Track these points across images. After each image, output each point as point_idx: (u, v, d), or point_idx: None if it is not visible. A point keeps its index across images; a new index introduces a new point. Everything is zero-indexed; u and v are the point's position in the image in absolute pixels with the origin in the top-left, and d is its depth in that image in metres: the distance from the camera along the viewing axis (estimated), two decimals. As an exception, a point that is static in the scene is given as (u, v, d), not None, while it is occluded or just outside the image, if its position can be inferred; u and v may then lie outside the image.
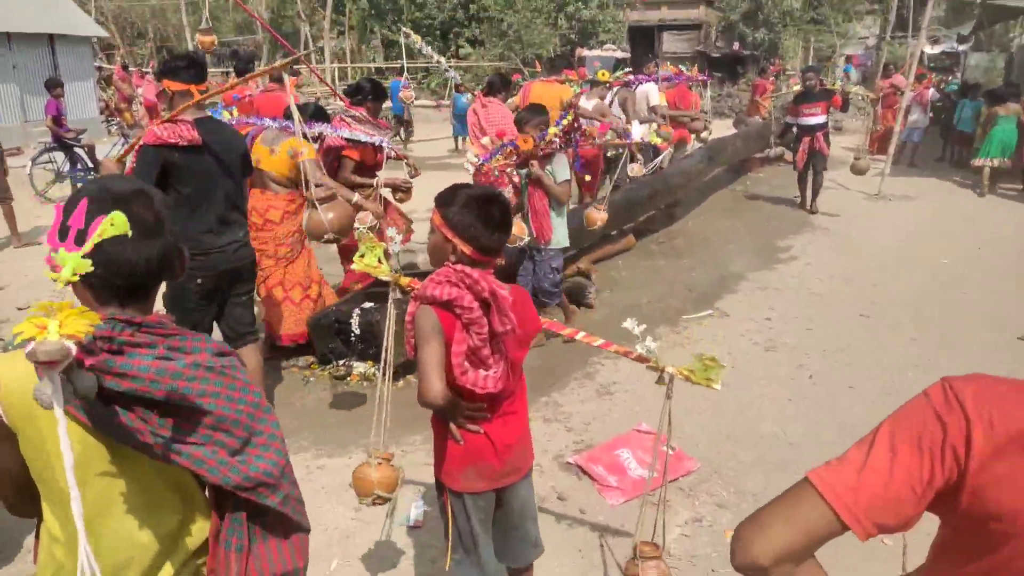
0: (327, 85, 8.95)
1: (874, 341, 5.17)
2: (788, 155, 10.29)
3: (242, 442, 1.31)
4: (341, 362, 4.75)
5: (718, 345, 5.16)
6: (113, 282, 1.25)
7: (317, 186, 3.95)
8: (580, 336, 2.72)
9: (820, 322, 5.54)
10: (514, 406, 2.18)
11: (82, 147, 9.89)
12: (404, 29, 10.32)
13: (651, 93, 8.53)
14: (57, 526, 1.30)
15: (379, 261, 2.61)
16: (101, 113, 16.76)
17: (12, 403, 1.22)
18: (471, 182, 5.24)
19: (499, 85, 6.95)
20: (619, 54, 24.07)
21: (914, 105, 12.44)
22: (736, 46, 24.93)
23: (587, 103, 7.60)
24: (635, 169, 5.84)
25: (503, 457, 2.14)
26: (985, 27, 16.73)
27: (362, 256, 2.61)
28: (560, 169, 4.89)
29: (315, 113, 4.86)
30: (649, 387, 4.45)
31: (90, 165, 9.90)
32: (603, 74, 8.28)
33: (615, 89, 8.62)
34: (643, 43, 27.79)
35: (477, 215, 2.00)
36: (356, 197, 4.73)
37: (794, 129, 9.26)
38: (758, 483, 3.49)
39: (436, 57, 8.73)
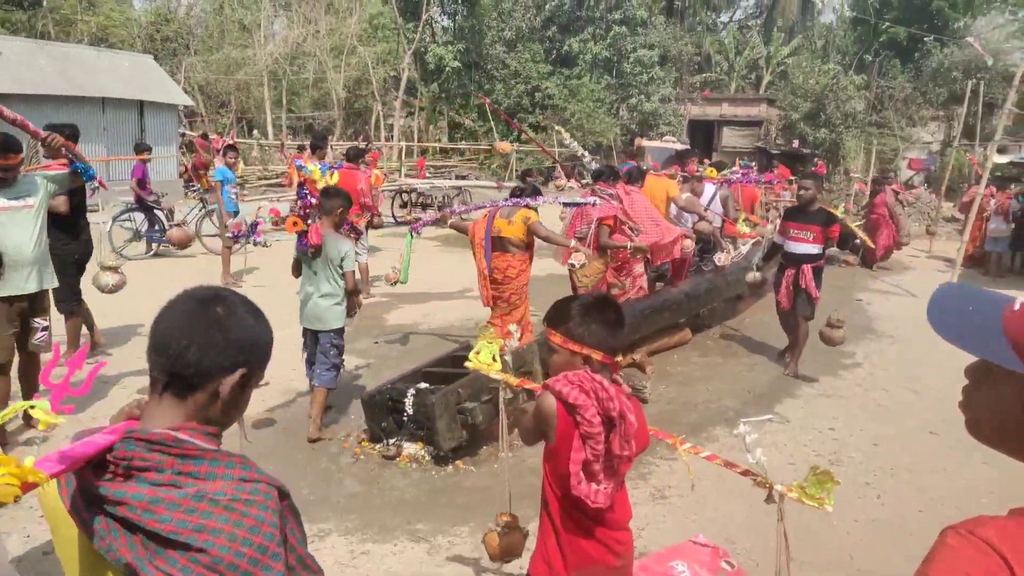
0: (552, 157, 10.34)
1: (945, 461, 4.91)
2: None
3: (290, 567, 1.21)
4: (392, 441, 4.72)
5: (779, 452, 4.97)
6: (164, 386, 1.24)
7: (547, 239, 5.77)
8: (686, 447, 2.70)
9: (887, 437, 5.30)
10: (623, 515, 2.19)
11: (161, 209, 10.36)
12: (556, 127, 11.39)
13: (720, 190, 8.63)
14: None
15: (493, 358, 2.65)
16: (180, 177, 17.66)
17: (46, 503, 1.24)
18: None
19: (637, 175, 7.12)
20: (679, 146, 24.45)
21: (994, 214, 12.24)
22: (796, 143, 25.08)
23: (679, 197, 7.71)
24: (722, 258, 6.13)
25: (614, 561, 2.13)
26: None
27: (478, 352, 2.66)
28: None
29: (534, 191, 6.11)
30: (707, 494, 4.31)
31: (166, 227, 10.34)
32: (711, 171, 8.56)
33: (717, 185, 8.55)
34: (702, 136, 28.25)
35: (600, 322, 2.07)
36: (573, 242, 5.90)
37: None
38: (824, 611, 3.27)
39: (580, 151, 9.31)
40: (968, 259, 11.93)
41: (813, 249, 6.32)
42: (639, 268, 6.78)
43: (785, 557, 2.28)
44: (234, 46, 27.41)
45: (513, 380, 2.66)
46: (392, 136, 26.15)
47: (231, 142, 11.13)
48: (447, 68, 26.31)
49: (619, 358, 2.23)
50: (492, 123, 22.07)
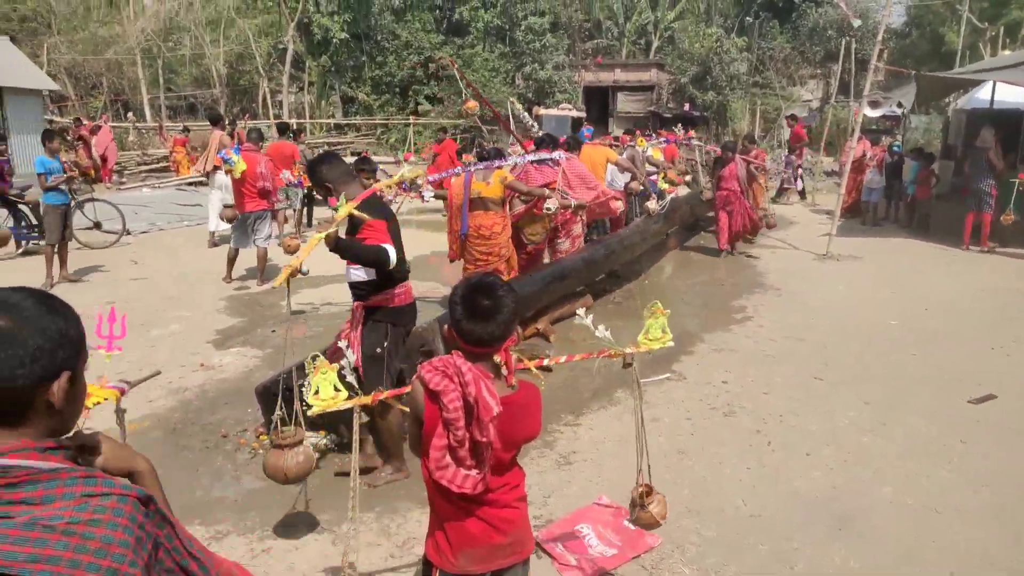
0: (517, 138, 10.71)
1: (828, 404, 5.21)
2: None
3: None
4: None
5: (676, 409, 5.14)
6: None
7: (525, 194, 6.53)
8: (546, 363, 2.96)
9: (776, 385, 5.58)
10: (507, 496, 2.14)
11: (26, 203, 9.60)
12: (511, 99, 12.51)
13: (650, 150, 10.56)
14: None
15: (335, 388, 2.54)
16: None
17: None
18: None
19: (574, 144, 8.00)
20: (575, 113, 24.71)
21: (870, 168, 13.03)
22: (687, 107, 25.79)
23: (621, 158, 9.04)
24: (652, 205, 8.10)
25: (499, 539, 2.12)
26: (929, 100, 17.62)
27: (316, 392, 2.54)
28: None
29: (499, 154, 6.97)
30: (609, 455, 4.41)
31: (34, 222, 9.60)
32: (641, 141, 10.65)
33: (625, 147, 10.59)
34: (598, 102, 28.57)
35: (464, 305, 2.02)
36: (546, 191, 6.55)
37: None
38: (720, 558, 3.42)
39: (530, 120, 9.91)
40: (846, 210, 12.67)
41: None
42: (577, 228, 7.41)
43: (642, 427, 2.72)
44: (101, 23, 25.53)
45: (366, 399, 2.59)
46: (282, 113, 25.12)
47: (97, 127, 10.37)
48: (335, 40, 25.44)
49: (497, 357, 2.15)
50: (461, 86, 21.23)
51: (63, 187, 8.27)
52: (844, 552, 3.48)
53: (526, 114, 9.86)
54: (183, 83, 27.37)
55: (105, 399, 1.87)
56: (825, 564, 3.39)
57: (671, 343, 2.68)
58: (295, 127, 15.09)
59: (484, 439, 1.96)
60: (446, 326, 2.12)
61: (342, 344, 3.96)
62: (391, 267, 3.76)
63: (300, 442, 3.50)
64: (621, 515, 3.72)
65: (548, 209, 6.44)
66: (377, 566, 3.40)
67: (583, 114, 25.30)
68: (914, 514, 3.82)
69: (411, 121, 24.69)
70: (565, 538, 3.55)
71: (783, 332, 6.87)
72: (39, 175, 8.09)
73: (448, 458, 1.98)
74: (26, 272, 8.79)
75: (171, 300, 7.80)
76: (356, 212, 3.62)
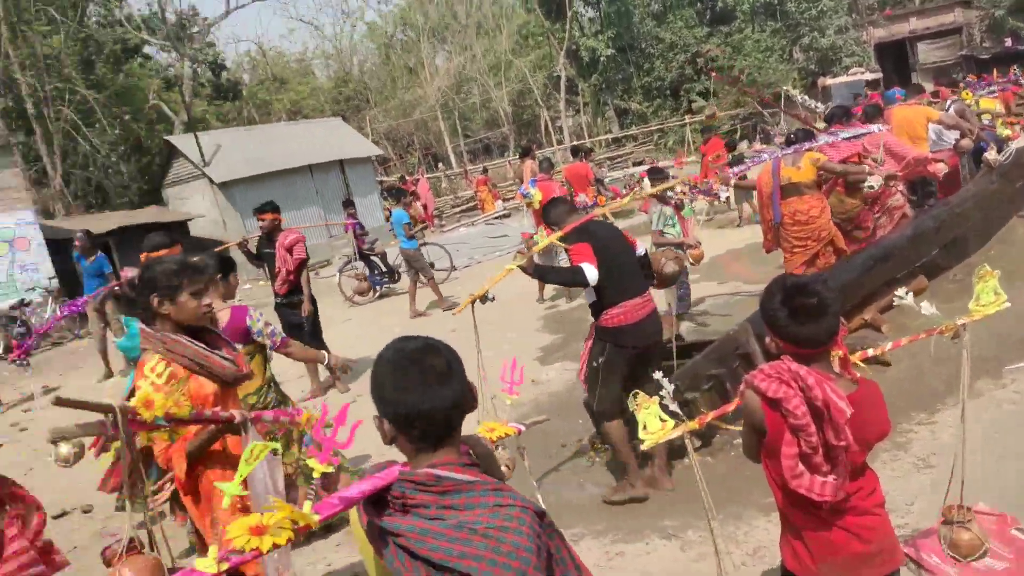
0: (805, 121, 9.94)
1: None
2: None
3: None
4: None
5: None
6: (429, 432, 1.39)
7: (841, 174, 6.17)
8: (871, 352, 2.76)
9: None
10: (865, 502, 2.07)
11: (375, 255, 11.37)
12: (785, 88, 11.89)
13: (980, 102, 9.16)
14: None
15: (661, 419, 2.56)
16: (386, 221, 19.25)
17: (360, 538, 1.46)
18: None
19: (873, 112, 7.53)
20: (868, 76, 22.34)
21: None
22: (1008, 42, 21.80)
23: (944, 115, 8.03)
24: (991, 156, 6.58)
25: (864, 548, 2.04)
26: None
27: (644, 427, 2.54)
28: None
29: (807, 135, 6.39)
30: (978, 456, 3.90)
31: (383, 269, 11.33)
32: (967, 94, 9.00)
33: (948, 101, 8.87)
34: (894, 59, 25.50)
35: (784, 306, 1.98)
36: (867, 168, 6.28)
37: None
38: None
39: (812, 103, 9.50)
40: None
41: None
42: (894, 200, 6.91)
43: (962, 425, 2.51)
44: (405, 89, 29.34)
45: (693, 424, 2.61)
46: (563, 138, 26.49)
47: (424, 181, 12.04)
48: (602, 58, 26.17)
49: (835, 351, 2.08)
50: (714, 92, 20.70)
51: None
52: None
53: (804, 96, 9.09)
54: (476, 127, 30.30)
55: (507, 434, 2.23)
56: None
57: (1007, 304, 2.42)
58: (587, 147, 16.10)
59: (841, 442, 1.90)
60: (767, 339, 2.09)
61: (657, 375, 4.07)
62: (592, 284, 3.92)
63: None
64: (1007, 523, 3.29)
65: (871, 187, 6.20)
66: (731, 574, 3.42)
67: (878, 75, 22.78)
68: None
69: (686, 121, 24.39)
70: (939, 550, 3.23)
71: None
72: (404, 225, 9.67)
73: (802, 466, 1.94)
74: (383, 311, 10.41)
75: (495, 323, 8.65)
76: (557, 243, 4.07)
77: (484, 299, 4.19)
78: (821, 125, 8.00)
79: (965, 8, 24.20)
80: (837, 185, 6.51)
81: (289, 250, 6.66)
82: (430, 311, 9.94)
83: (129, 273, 4.96)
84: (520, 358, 6.18)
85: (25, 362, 5.43)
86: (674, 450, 4.65)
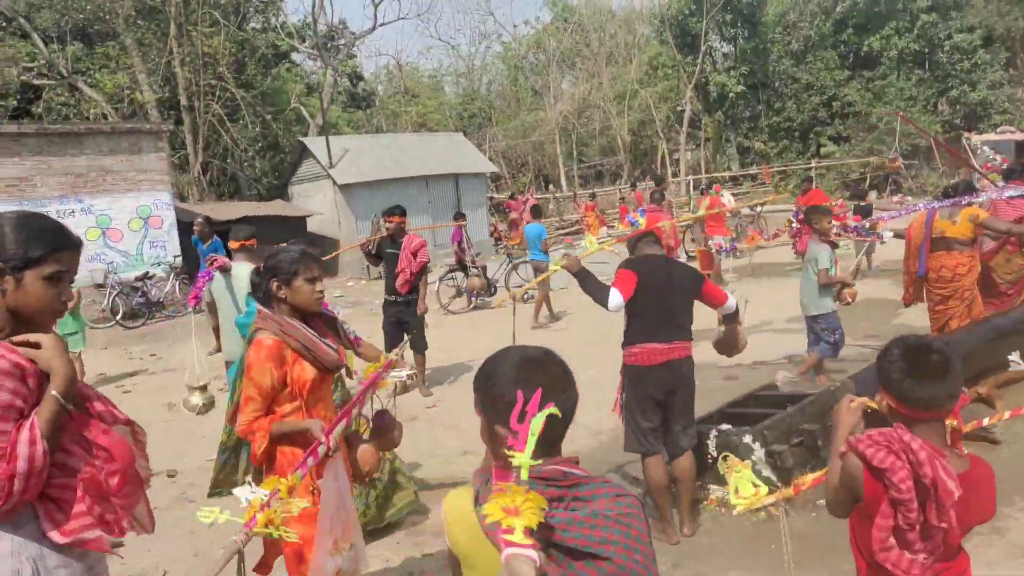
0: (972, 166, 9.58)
1: None
2: None
3: None
4: (696, 484, 4.67)
5: None
6: (549, 437, 1.43)
7: (1004, 232, 5.91)
8: (985, 422, 2.50)
9: None
10: None
11: (477, 268, 11.62)
12: (966, 135, 10.99)
13: None
14: None
15: (754, 484, 2.49)
16: (490, 236, 19.61)
17: (457, 538, 1.50)
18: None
19: (1020, 172, 7.04)
20: (1018, 136, 20.78)
21: None
22: None
23: None
24: None
25: None
26: None
27: (736, 491, 2.52)
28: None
29: (968, 188, 6.17)
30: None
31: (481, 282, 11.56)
32: None
33: None
34: (1052, 120, 23.62)
35: (904, 364, 1.88)
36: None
37: None
38: None
39: (991, 154, 8.84)
40: None
41: None
42: None
43: None
44: (528, 111, 29.88)
45: (788, 491, 2.51)
46: (678, 171, 26.14)
47: (534, 201, 12.34)
48: (731, 94, 25.70)
49: (950, 419, 1.96)
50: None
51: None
52: None
53: (985, 147, 8.45)
54: (592, 153, 30.42)
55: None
56: None
57: None
58: (660, 176, 15.95)
59: (944, 524, 1.79)
60: (878, 398, 1.99)
61: (747, 439, 3.97)
62: (610, 310, 3.93)
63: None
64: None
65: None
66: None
67: (1028, 136, 21.15)
68: None
69: (812, 165, 23.52)
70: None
71: None
72: (543, 240, 10.72)
73: (893, 540, 1.85)
74: (474, 322, 10.61)
75: (589, 346, 8.62)
76: (605, 247, 4.41)
77: (524, 299, 4.38)
78: (996, 180, 7.45)
79: None
80: (1008, 243, 6.22)
81: (414, 253, 6.99)
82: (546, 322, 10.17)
83: (221, 261, 5.39)
84: (603, 385, 6.14)
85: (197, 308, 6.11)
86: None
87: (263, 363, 2.69)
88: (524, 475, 1.29)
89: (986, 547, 3.77)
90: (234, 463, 3.24)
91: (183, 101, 20.69)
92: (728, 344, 4.58)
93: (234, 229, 5.55)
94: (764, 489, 2.50)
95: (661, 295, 4.04)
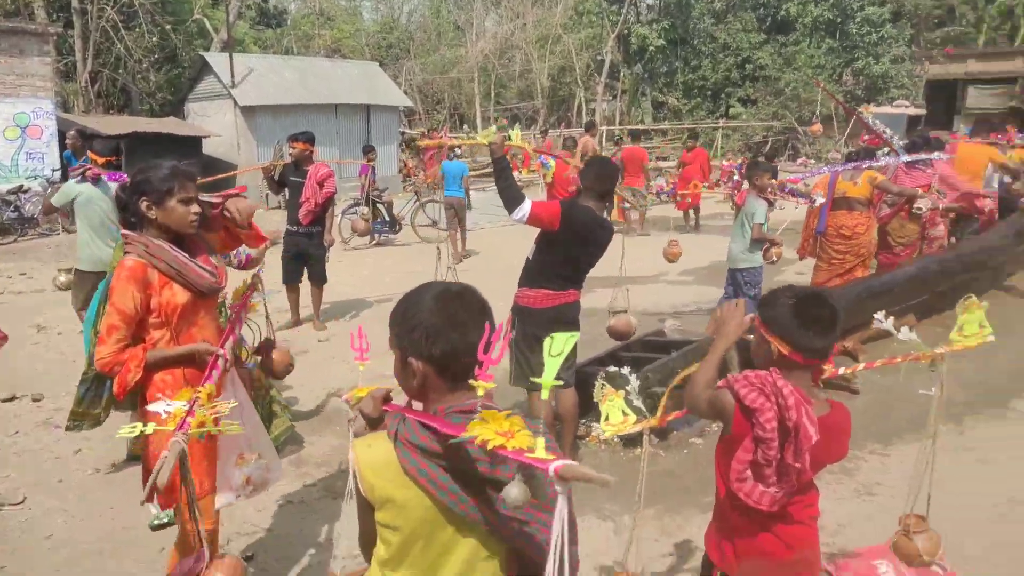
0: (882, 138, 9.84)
1: None
2: None
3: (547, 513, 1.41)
4: (582, 421, 4.83)
5: (1014, 450, 4.38)
6: (470, 365, 1.41)
7: (896, 194, 6.49)
8: (842, 371, 2.73)
9: None
10: (801, 513, 2.08)
11: (383, 203, 11.37)
12: (861, 108, 11.45)
13: None
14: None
15: (623, 412, 2.54)
16: (399, 172, 19.19)
17: (372, 483, 1.47)
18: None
19: (936, 145, 7.52)
20: (911, 111, 21.97)
21: None
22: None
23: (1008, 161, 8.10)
24: None
25: (787, 555, 2.07)
26: None
27: (607, 418, 2.58)
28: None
29: (868, 154, 6.79)
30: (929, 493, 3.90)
31: (387, 218, 11.34)
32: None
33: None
34: (943, 98, 25.07)
35: (797, 314, 1.97)
36: (919, 191, 6.55)
37: None
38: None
39: (888, 132, 9.27)
40: None
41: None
42: (936, 231, 7.16)
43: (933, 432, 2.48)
44: (449, 46, 29.10)
45: (655, 420, 2.63)
46: (594, 121, 26.27)
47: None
48: (651, 47, 25.84)
49: (825, 366, 2.09)
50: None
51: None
52: None
53: (878, 122, 8.90)
54: (510, 96, 30.05)
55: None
56: None
57: (991, 337, 2.43)
58: (595, 122, 16.60)
59: (798, 465, 1.92)
60: (757, 336, 2.07)
61: (625, 371, 4.08)
62: (514, 217, 3.86)
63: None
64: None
65: (919, 209, 6.47)
66: (652, 561, 3.46)
67: (921, 111, 22.43)
68: None
69: (720, 125, 24.13)
70: (860, 571, 3.26)
71: None
72: (465, 177, 10.66)
73: (749, 472, 1.97)
74: (377, 259, 10.44)
75: (495, 291, 8.67)
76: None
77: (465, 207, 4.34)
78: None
79: (1025, 58, 23.74)
80: (902, 210, 6.71)
81: (320, 183, 6.74)
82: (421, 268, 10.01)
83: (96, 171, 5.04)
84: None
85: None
86: (630, 439, 4.69)
87: (125, 285, 2.49)
88: (544, 395, 1.30)
89: (836, 484, 4.09)
90: (96, 394, 3.00)
91: (74, 3, 18.90)
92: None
93: (96, 142, 5.11)
94: (632, 417, 2.60)
95: (575, 249, 4.03)
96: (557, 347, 1.35)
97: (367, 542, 1.58)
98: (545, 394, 1.31)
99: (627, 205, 11.83)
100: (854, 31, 24.84)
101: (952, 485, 4.06)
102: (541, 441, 1.23)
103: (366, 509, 1.52)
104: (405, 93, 23.32)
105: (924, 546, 2.64)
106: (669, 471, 4.40)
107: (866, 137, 12.10)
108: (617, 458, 4.56)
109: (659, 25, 25.91)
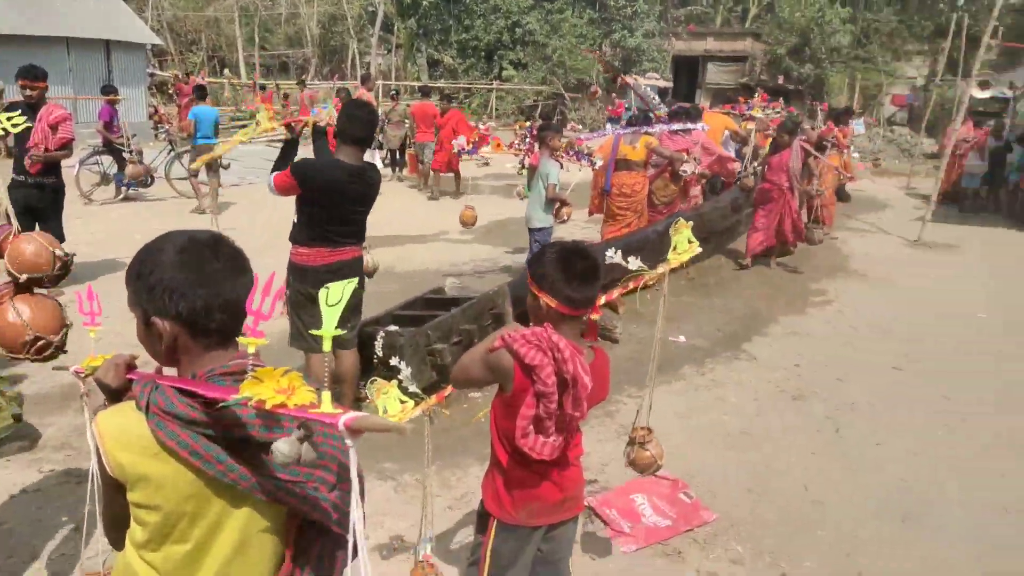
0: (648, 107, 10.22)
1: (905, 396, 5.03)
2: None
3: (336, 476, 1.33)
4: (361, 384, 4.75)
5: (743, 389, 5.07)
6: (227, 323, 1.31)
7: (667, 157, 7.27)
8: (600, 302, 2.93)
9: (851, 373, 5.41)
10: (571, 454, 2.21)
11: (130, 151, 10.13)
12: (634, 76, 12.37)
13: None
14: (158, 559, 1.35)
15: (400, 400, 2.56)
16: (150, 119, 17.21)
17: (121, 459, 1.28)
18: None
19: (695, 113, 8.50)
20: (662, 83, 24.09)
21: (973, 151, 12.26)
22: (780, 80, 24.77)
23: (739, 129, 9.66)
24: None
25: (561, 496, 2.19)
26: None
27: (385, 411, 2.58)
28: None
29: (646, 119, 7.79)
30: (670, 430, 4.39)
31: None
32: (757, 109, 10.55)
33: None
34: (686, 72, 27.77)
35: (561, 269, 2.04)
36: (683, 156, 7.33)
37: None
38: (776, 541, 3.39)
39: (656, 100, 10.07)
40: (944, 196, 11.97)
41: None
42: (694, 191, 8.30)
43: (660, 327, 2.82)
44: (203, -20, 26.41)
45: (433, 400, 2.67)
46: (370, 74, 25.51)
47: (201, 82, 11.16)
48: (424, 2, 25.53)
49: (592, 315, 2.21)
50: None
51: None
52: (906, 543, 3.39)
53: (649, 90, 9.93)
54: (277, 42, 28.13)
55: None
56: (885, 554, 3.32)
57: (699, 249, 2.77)
58: (370, 75, 16.14)
59: (578, 414, 2.03)
60: (529, 295, 2.13)
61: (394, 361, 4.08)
62: (271, 191, 3.99)
63: None
64: (678, 488, 3.73)
65: (684, 171, 7.27)
66: (437, 517, 3.52)
67: (670, 84, 24.68)
68: (984, 513, 3.68)
69: (494, 86, 24.66)
70: (620, 506, 3.59)
71: (864, 319, 6.64)
72: (216, 124, 9.83)
73: (532, 427, 2.04)
74: (124, 216, 9.34)
75: (263, 248, 8.14)
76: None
77: (219, 164, 4.07)
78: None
79: (754, 40, 26.94)
80: (666, 172, 7.55)
81: (53, 126, 5.87)
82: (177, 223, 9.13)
83: None
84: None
85: None
86: (409, 396, 4.70)
87: None
88: (327, 347, 1.19)
89: (600, 427, 4.44)
90: None
91: None
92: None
93: None
94: (410, 403, 2.61)
95: (329, 206, 3.90)
96: (334, 296, 1.27)
97: (116, 526, 1.41)
98: (327, 346, 1.23)
99: (423, 160, 11.83)
100: (612, 3, 26.49)
101: (695, 418, 4.65)
102: (327, 395, 1.16)
103: (114, 490, 1.34)
104: (153, 30, 20.86)
105: (655, 451, 3.03)
106: (449, 427, 4.48)
107: (610, 108, 13.47)
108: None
109: (432, -20, 25.67)
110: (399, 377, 2.72)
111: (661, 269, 2.77)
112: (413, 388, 2.69)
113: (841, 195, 11.73)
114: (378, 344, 4.62)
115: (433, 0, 25.59)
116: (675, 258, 2.75)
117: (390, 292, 6.80)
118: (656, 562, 3.27)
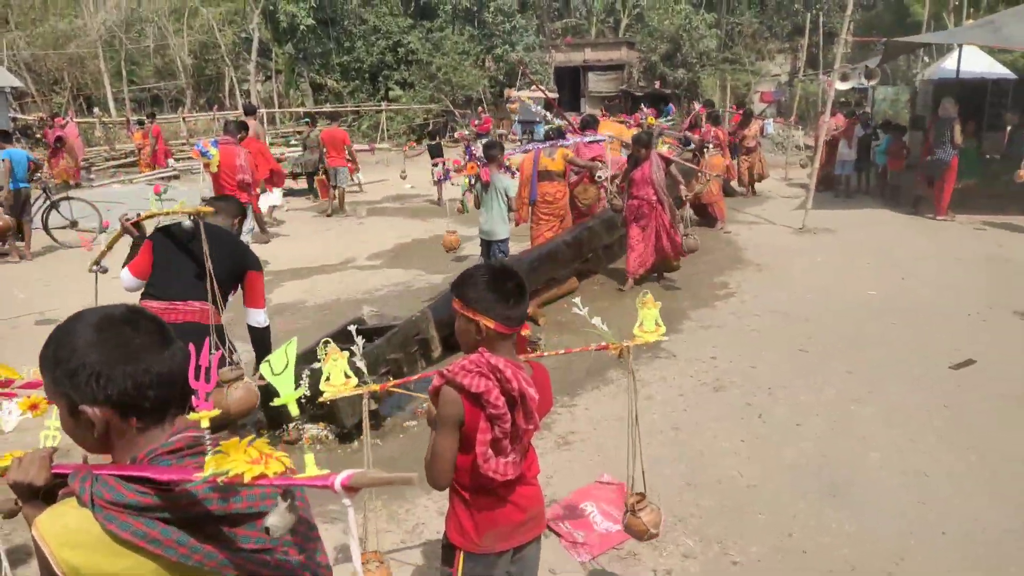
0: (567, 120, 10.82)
1: (814, 376, 5.36)
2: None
3: (303, 537, 1.30)
4: (291, 425, 4.62)
5: (668, 386, 5.26)
6: (163, 398, 1.26)
7: (582, 166, 8.01)
8: (546, 355, 2.94)
9: (762, 359, 5.71)
10: (528, 473, 2.24)
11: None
12: (520, 95, 12.90)
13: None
14: None
15: (346, 375, 2.57)
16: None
17: (73, 561, 1.18)
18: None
19: (592, 122, 9.33)
20: (549, 95, 24.64)
21: (842, 140, 13.20)
22: (657, 84, 25.88)
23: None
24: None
25: (523, 516, 2.20)
26: (889, 59, 17.95)
27: (328, 378, 2.56)
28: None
29: (560, 134, 8.55)
30: (608, 435, 4.51)
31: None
32: (650, 119, 11.47)
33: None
34: (569, 83, 28.56)
35: (497, 291, 2.06)
36: (598, 164, 7.90)
37: None
38: (721, 530, 3.54)
39: (544, 113, 10.58)
40: (819, 183, 12.84)
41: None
42: (601, 193, 8.76)
43: (634, 406, 2.86)
44: (60, 16, 24.87)
45: (376, 387, 2.67)
46: (251, 102, 24.72)
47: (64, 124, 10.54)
48: (301, 26, 25.03)
49: (524, 331, 2.26)
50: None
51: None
52: (839, 517, 3.62)
53: (538, 107, 10.77)
54: (146, 75, 26.82)
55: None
56: (821, 529, 3.53)
57: (666, 337, 2.82)
58: (255, 106, 15.96)
59: (531, 426, 2.07)
60: (455, 307, 2.12)
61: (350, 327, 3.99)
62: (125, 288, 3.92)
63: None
64: (623, 491, 3.82)
65: (600, 177, 7.76)
66: (389, 555, 3.46)
67: (555, 95, 25.27)
68: (904, 478, 3.97)
69: (382, 108, 24.48)
70: (571, 517, 3.65)
71: (766, 307, 7.02)
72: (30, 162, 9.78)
73: (490, 450, 2.04)
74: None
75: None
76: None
77: (99, 267, 3.94)
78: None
79: (629, 48, 28.03)
80: (585, 178, 8.27)
81: None
82: (65, 275, 8.57)
83: None
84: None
85: None
86: (344, 435, 4.60)
87: None
88: (293, 410, 1.25)
89: (539, 440, 4.47)
90: None
91: None
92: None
93: None
94: (354, 380, 2.59)
95: (176, 258, 3.89)
96: (278, 365, 1.27)
97: None
98: (294, 410, 1.23)
99: (336, 184, 11.90)
100: (490, 20, 26.91)
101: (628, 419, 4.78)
102: (310, 457, 1.13)
103: None
104: (10, 71, 19.45)
105: (649, 519, 2.95)
106: (388, 458, 4.42)
107: (476, 122, 14.31)
108: (335, 455, 4.46)
109: (307, 3, 25.18)
110: (352, 348, 2.71)
111: (627, 342, 2.82)
112: (361, 365, 2.69)
113: (728, 191, 12.40)
114: (304, 380, 4.51)
115: (310, 24, 25.13)
116: (641, 335, 2.83)
117: (304, 328, 6.63)
118: (614, 566, 3.35)
